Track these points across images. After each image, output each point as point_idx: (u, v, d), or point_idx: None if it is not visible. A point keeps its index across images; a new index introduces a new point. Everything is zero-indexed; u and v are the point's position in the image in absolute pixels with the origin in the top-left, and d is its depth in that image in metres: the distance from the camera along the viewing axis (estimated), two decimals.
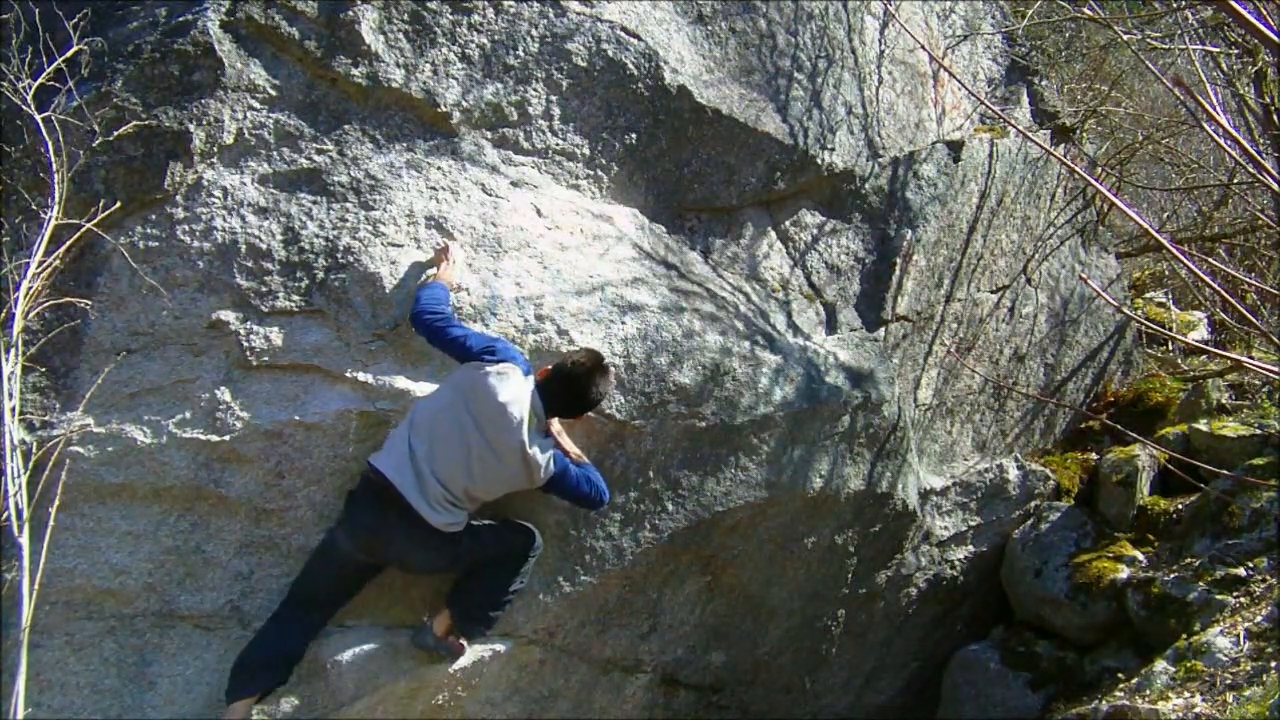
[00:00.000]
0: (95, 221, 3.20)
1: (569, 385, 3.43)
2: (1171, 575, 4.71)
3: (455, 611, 3.62)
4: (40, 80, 3.21)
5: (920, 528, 5.04)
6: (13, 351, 3.00)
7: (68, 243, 3.15)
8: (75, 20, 3.32)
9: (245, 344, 3.40)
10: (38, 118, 3.15)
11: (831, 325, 4.67)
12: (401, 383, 3.50)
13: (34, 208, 3.22)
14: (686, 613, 4.39)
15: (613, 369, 3.67)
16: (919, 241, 4.97)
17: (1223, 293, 5.88)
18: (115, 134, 3.29)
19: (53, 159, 3.16)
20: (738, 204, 4.53)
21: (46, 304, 3.14)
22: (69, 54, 3.27)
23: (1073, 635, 5.10)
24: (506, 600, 3.67)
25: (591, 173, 4.14)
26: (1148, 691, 3.98)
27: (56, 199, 3.14)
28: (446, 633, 3.61)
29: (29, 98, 3.16)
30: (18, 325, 3.00)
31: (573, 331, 3.78)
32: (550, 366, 3.51)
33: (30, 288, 3.03)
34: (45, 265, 3.08)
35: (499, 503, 3.56)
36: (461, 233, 3.72)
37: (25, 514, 2.90)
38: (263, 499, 3.43)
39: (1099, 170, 6.75)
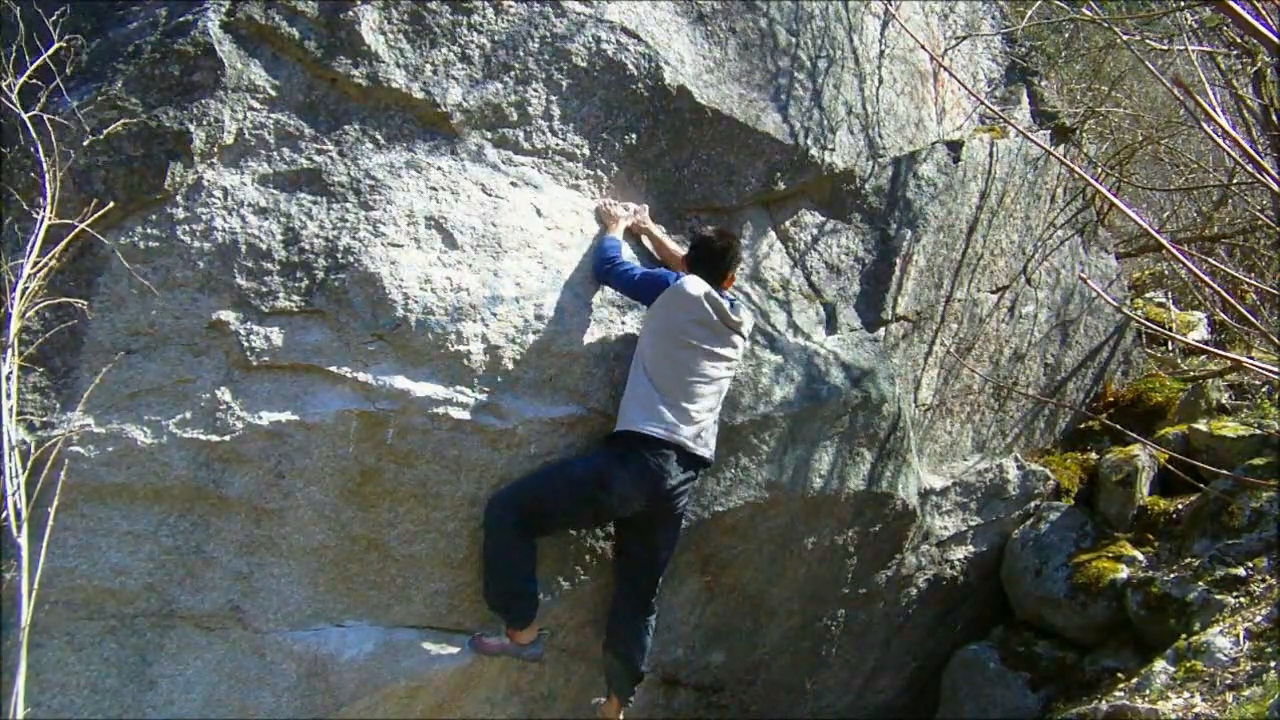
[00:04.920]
0: (89, 221, 3.19)
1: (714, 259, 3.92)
2: (1171, 575, 4.71)
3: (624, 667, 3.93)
4: (23, 79, 3.18)
5: (920, 528, 5.04)
6: (10, 352, 2.99)
7: (63, 242, 3.15)
8: (54, 17, 3.29)
9: (245, 344, 3.40)
10: (24, 116, 3.13)
11: (831, 325, 4.67)
12: (401, 383, 3.50)
13: (27, 208, 3.21)
14: (686, 613, 4.39)
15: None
16: (919, 241, 4.97)
17: (1223, 293, 5.88)
18: (110, 131, 3.28)
19: (43, 158, 3.14)
20: (738, 204, 4.52)
21: (44, 304, 3.13)
22: (50, 50, 3.25)
23: (1072, 635, 5.09)
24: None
25: (591, 173, 4.14)
26: (1147, 691, 3.97)
27: (49, 199, 3.13)
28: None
29: (13, 96, 3.14)
30: (15, 325, 2.99)
31: (573, 331, 3.79)
32: (689, 250, 3.99)
33: (26, 288, 3.02)
34: (40, 265, 3.07)
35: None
36: (461, 233, 3.72)
37: (25, 514, 2.90)
38: (263, 499, 3.42)
39: (1099, 170, 6.75)
